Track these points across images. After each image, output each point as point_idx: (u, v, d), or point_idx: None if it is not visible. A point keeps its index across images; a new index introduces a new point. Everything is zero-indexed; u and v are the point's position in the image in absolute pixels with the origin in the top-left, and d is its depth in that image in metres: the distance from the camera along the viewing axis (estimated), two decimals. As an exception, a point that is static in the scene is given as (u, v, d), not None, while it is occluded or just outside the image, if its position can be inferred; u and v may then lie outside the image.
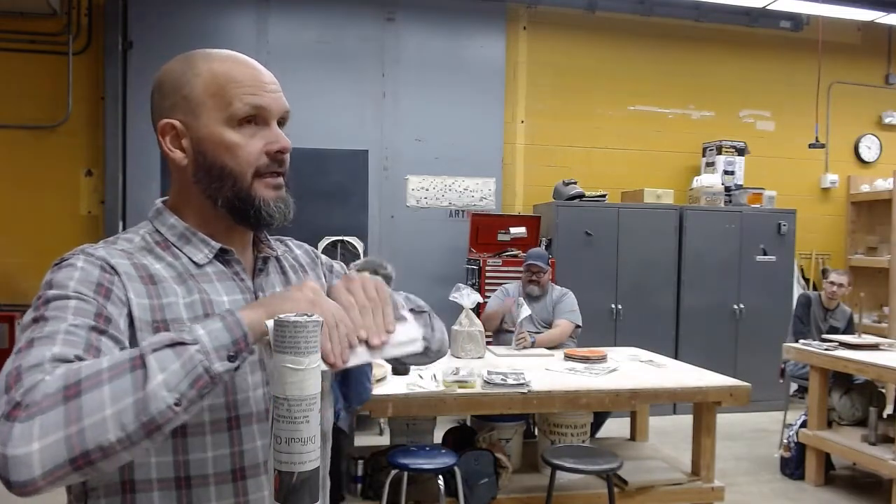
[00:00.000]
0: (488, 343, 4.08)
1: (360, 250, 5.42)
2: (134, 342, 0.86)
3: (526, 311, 3.98)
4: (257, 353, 0.94)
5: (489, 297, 4.58)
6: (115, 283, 0.88)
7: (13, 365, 0.76)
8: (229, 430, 0.91)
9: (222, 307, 0.95)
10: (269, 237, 1.10)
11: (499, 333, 4.30)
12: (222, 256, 1.00)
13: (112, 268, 0.89)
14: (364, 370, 2.82)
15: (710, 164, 6.27)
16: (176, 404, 0.73)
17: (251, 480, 0.93)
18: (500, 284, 4.67)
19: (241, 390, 0.93)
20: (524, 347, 3.94)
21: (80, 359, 0.77)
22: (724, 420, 4.74)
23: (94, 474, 0.74)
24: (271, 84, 0.98)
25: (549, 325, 4.25)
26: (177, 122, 0.96)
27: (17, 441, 0.69)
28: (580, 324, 4.25)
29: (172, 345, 0.75)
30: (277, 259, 1.10)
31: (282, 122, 1.00)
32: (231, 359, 0.77)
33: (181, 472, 0.89)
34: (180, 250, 0.98)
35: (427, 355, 1.15)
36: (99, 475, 0.76)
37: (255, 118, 0.96)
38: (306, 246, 1.22)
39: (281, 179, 0.98)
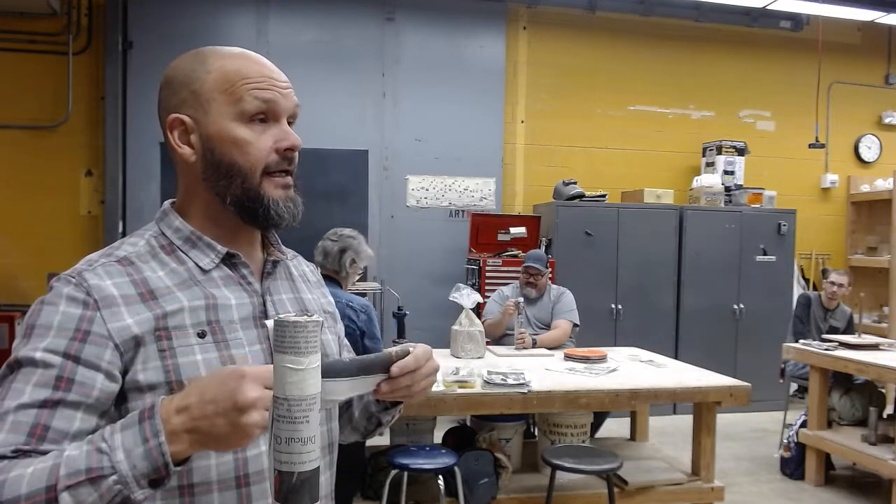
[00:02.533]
0: (488, 343, 4.08)
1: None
2: (131, 365, 0.87)
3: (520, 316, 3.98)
4: (262, 357, 0.96)
5: (489, 297, 4.57)
6: (95, 320, 0.87)
7: None
8: None
9: (229, 311, 0.95)
10: (279, 241, 1.09)
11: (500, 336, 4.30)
12: (229, 261, 0.99)
13: (98, 301, 0.88)
14: None
15: (710, 164, 6.27)
16: None
17: (255, 487, 0.92)
18: (500, 284, 4.67)
19: None
20: (524, 348, 3.94)
21: (18, 451, 0.79)
22: (724, 420, 4.74)
23: None
24: (283, 82, 0.97)
25: (547, 326, 4.24)
26: (185, 118, 0.95)
27: None
28: (578, 323, 4.24)
29: (91, 479, 0.74)
30: (287, 264, 1.10)
31: (290, 122, 0.99)
32: (153, 485, 0.76)
33: (184, 479, 0.88)
34: (186, 255, 0.97)
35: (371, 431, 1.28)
36: None
37: (265, 115, 0.95)
38: (312, 266, 1.23)
39: (290, 179, 0.98)
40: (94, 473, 0.74)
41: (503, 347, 4.05)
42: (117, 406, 0.87)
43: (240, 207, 0.95)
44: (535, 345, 4.00)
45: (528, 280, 4.24)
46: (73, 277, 0.89)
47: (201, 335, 0.91)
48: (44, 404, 0.82)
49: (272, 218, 0.96)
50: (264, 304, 1.00)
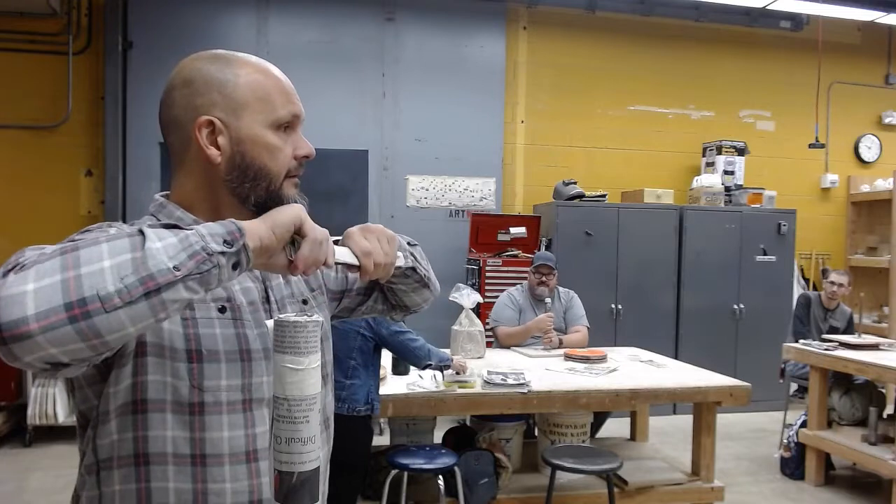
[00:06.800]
0: (515, 345, 4.07)
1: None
2: None
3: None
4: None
5: (489, 297, 4.56)
6: None
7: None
8: (244, 411, 0.95)
9: (239, 293, 1.00)
10: None
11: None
12: None
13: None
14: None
15: (710, 164, 6.27)
16: (175, 269, 0.73)
17: (264, 463, 0.96)
18: (500, 284, 4.66)
19: (255, 374, 0.96)
20: (552, 348, 3.91)
21: None
22: (724, 420, 4.74)
23: (94, 344, 0.71)
24: (295, 94, 1.04)
25: (558, 330, 4.21)
26: (216, 119, 0.96)
27: (10, 284, 0.69)
28: (589, 325, 4.25)
29: (169, 226, 0.77)
30: None
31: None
32: (227, 244, 0.78)
33: (197, 449, 0.91)
34: None
35: (420, 281, 1.28)
36: (100, 352, 0.73)
37: (290, 125, 1.01)
38: None
39: (297, 179, 1.05)
40: (174, 224, 0.79)
41: (530, 349, 4.00)
42: (133, 362, 0.90)
43: (261, 208, 0.97)
44: (561, 343, 3.98)
45: (540, 280, 4.19)
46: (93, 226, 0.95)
47: (221, 310, 0.96)
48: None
49: None
50: (265, 290, 1.04)
